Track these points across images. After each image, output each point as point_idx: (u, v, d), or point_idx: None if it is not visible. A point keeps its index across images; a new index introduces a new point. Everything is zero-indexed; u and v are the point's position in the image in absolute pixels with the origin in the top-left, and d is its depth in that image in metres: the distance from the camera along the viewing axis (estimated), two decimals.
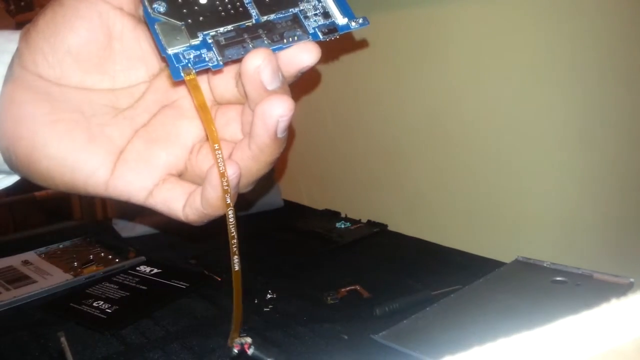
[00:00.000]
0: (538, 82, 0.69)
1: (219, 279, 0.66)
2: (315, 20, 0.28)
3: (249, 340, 0.38)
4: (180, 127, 0.29)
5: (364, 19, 0.29)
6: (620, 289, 0.55)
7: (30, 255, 0.75)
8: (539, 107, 0.69)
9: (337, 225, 0.85)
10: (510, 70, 0.72)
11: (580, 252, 0.68)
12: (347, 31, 0.29)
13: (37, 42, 0.27)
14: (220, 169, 0.25)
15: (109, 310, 0.58)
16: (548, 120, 0.69)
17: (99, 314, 0.57)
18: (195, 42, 0.26)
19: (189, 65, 0.25)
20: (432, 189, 0.85)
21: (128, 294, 0.62)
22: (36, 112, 0.27)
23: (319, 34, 0.28)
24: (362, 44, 0.88)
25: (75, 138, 0.27)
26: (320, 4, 0.29)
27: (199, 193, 0.27)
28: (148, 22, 0.26)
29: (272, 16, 0.28)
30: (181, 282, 0.65)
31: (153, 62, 0.29)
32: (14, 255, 0.75)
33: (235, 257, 0.27)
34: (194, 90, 0.25)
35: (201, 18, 0.26)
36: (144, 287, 0.64)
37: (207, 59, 0.26)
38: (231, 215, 0.26)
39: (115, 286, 0.64)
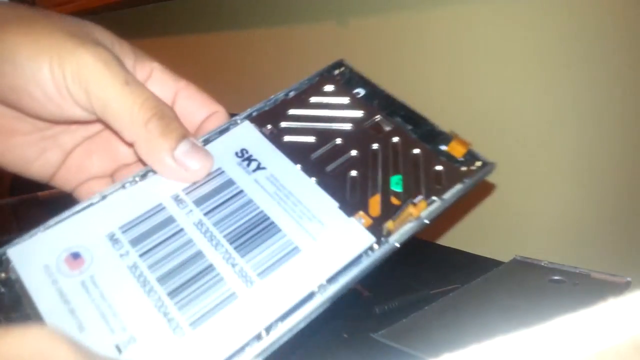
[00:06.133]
0: (537, 82, 0.69)
1: None
2: None
3: None
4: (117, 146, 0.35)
5: None
6: (618, 288, 0.55)
7: None
8: (537, 107, 0.70)
9: None
10: (509, 71, 0.72)
11: (577, 251, 0.68)
12: None
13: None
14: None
15: None
16: (546, 120, 0.69)
17: None
18: None
19: None
20: None
21: None
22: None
23: None
24: (361, 43, 0.88)
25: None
26: None
27: None
28: None
29: None
30: None
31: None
32: None
33: None
34: None
35: None
36: None
37: None
38: None
39: None
